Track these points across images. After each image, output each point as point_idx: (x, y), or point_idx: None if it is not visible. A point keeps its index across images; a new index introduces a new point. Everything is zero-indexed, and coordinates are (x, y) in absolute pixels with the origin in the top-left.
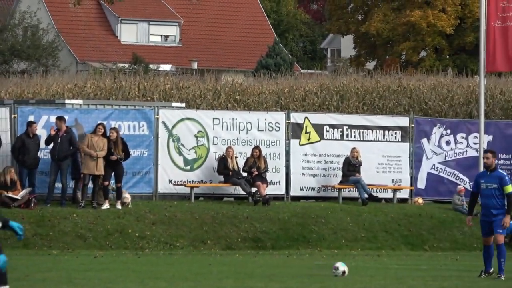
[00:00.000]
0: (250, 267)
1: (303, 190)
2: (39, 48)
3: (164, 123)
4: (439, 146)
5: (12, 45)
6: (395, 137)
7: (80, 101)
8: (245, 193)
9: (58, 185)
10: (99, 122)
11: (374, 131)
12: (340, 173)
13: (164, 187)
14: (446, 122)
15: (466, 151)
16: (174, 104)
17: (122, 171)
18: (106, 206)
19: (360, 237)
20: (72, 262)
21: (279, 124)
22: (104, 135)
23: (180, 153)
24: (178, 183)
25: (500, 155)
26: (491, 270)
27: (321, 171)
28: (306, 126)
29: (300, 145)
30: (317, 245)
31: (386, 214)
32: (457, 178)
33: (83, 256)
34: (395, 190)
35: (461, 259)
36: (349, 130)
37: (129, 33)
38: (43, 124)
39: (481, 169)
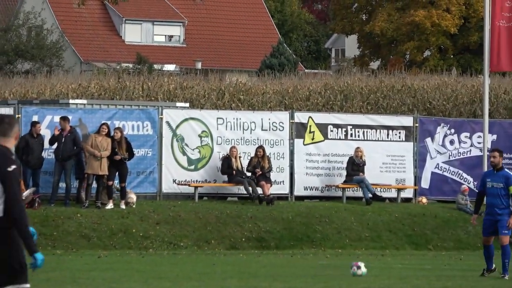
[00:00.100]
0: (254, 267)
1: (307, 189)
2: (43, 48)
3: (168, 123)
4: (443, 145)
5: (16, 46)
6: (399, 137)
7: (84, 101)
8: (246, 192)
9: (62, 185)
10: (103, 122)
11: (378, 130)
12: (344, 172)
13: (168, 186)
14: (450, 121)
15: (470, 150)
16: (178, 104)
17: (126, 171)
18: (110, 206)
19: (364, 236)
20: (76, 262)
21: (283, 123)
22: (108, 135)
23: (184, 153)
24: (182, 183)
25: (504, 155)
26: (493, 267)
27: (325, 171)
28: (310, 126)
29: (304, 144)
30: (321, 244)
31: (390, 213)
32: (461, 177)
33: (87, 256)
34: (399, 190)
35: (465, 258)
36: (353, 129)
37: (133, 33)
38: (47, 124)
39: (485, 168)
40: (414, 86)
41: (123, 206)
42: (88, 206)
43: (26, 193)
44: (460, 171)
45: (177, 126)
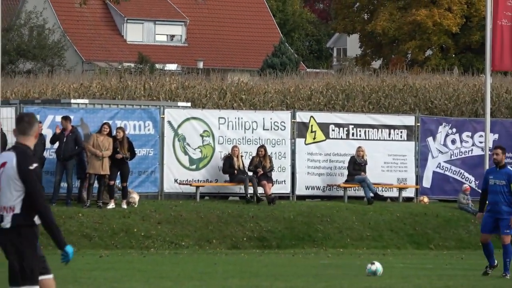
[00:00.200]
0: (255, 266)
1: (308, 189)
2: (45, 48)
3: (169, 122)
4: (445, 145)
5: (18, 45)
6: (401, 136)
7: (86, 101)
8: (244, 192)
9: (64, 184)
10: (104, 121)
11: (380, 130)
12: (346, 172)
13: (169, 186)
14: (452, 121)
15: (472, 149)
16: (179, 104)
17: (128, 170)
18: (111, 205)
19: (366, 236)
20: (77, 262)
21: (284, 123)
22: (109, 134)
23: (185, 153)
24: (184, 182)
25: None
26: (496, 263)
27: (327, 170)
28: (311, 125)
29: (306, 144)
30: (323, 244)
31: (392, 213)
32: (463, 177)
33: (88, 256)
34: (400, 189)
35: (466, 258)
36: (354, 129)
37: (135, 33)
38: (49, 124)
39: (487, 167)
40: (416, 86)
41: (124, 206)
42: (90, 205)
43: None
44: (462, 171)
45: (179, 126)
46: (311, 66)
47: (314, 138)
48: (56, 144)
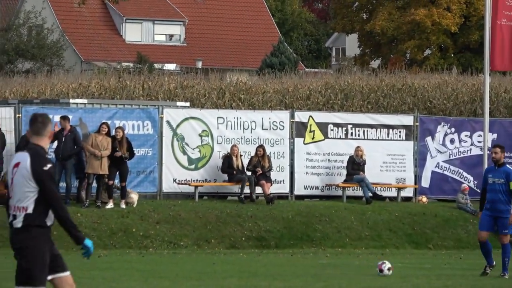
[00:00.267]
0: (254, 266)
1: (307, 189)
2: (43, 47)
3: (168, 122)
4: (444, 144)
5: (16, 45)
6: (400, 136)
7: (85, 101)
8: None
9: (63, 184)
10: (103, 121)
11: (379, 129)
12: (344, 171)
13: (168, 186)
14: (451, 120)
15: (471, 149)
16: (178, 103)
17: (126, 170)
18: (110, 205)
19: (364, 235)
20: (76, 261)
21: (283, 123)
22: (108, 134)
23: (184, 152)
24: (182, 182)
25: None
26: (494, 263)
27: (325, 170)
28: (310, 125)
29: (305, 144)
30: (321, 244)
31: (390, 212)
32: (462, 176)
33: None
34: (399, 189)
35: (465, 257)
36: (353, 128)
37: (134, 33)
38: None
39: (486, 167)
40: (415, 85)
41: (123, 206)
42: (88, 205)
43: None
44: (461, 170)
45: (178, 126)
46: (310, 65)
47: (312, 138)
48: (55, 144)
